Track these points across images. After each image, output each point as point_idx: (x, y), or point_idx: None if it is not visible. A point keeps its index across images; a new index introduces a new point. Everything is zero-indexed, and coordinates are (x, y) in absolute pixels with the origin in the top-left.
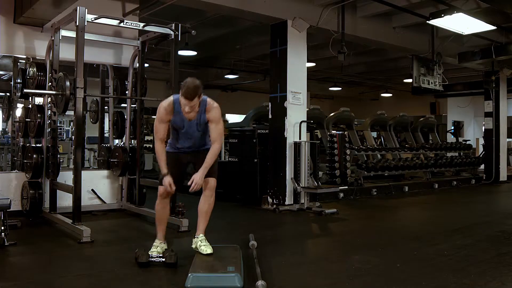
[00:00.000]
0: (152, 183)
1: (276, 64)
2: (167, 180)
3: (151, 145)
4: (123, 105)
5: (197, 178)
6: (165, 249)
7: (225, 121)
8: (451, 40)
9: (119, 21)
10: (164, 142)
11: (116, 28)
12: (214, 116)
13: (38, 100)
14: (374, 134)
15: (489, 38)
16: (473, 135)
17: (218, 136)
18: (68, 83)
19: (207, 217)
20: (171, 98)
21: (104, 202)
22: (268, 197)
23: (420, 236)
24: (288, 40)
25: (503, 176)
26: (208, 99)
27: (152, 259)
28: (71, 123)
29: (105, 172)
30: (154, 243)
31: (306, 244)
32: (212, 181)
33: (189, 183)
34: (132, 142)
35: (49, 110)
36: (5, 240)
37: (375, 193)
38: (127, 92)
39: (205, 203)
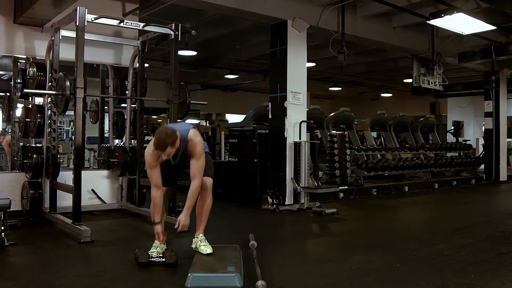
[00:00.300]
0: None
1: (276, 64)
2: (158, 229)
3: None
4: (123, 105)
5: (182, 220)
6: (165, 249)
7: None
8: (451, 40)
9: (119, 21)
10: (160, 188)
11: (116, 28)
12: (194, 152)
13: (38, 100)
14: (374, 134)
15: (489, 38)
16: (473, 135)
17: (198, 173)
18: (68, 83)
19: (205, 217)
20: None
21: (104, 202)
22: (268, 197)
23: (420, 236)
24: (288, 40)
25: (503, 176)
26: (190, 134)
27: (152, 259)
28: (71, 123)
29: (105, 172)
30: (154, 244)
31: (306, 244)
32: (208, 181)
33: (175, 225)
34: (132, 142)
35: (49, 110)
36: (5, 240)
37: (375, 193)
38: (127, 92)
39: (204, 204)
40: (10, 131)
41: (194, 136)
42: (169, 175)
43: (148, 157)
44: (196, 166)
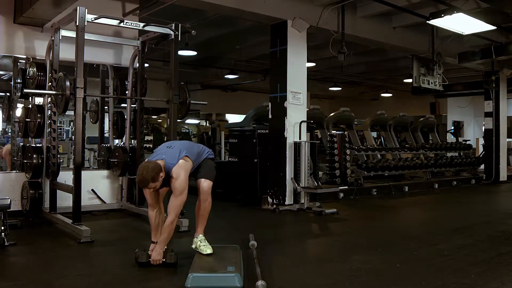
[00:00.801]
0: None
1: (276, 64)
2: (152, 247)
3: (151, 145)
4: (123, 105)
5: (154, 255)
6: (165, 249)
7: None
8: (451, 40)
9: (119, 21)
10: (155, 208)
11: (116, 28)
12: (175, 190)
13: (38, 100)
14: (374, 134)
15: (489, 38)
16: (473, 135)
17: (174, 210)
18: (68, 83)
19: (204, 218)
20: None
21: (104, 202)
22: (268, 197)
23: (420, 236)
24: (288, 40)
25: (503, 176)
26: (173, 170)
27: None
28: (71, 123)
29: (105, 172)
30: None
31: (306, 244)
32: (205, 184)
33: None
34: (132, 142)
35: (49, 110)
36: (5, 240)
37: (375, 193)
38: (127, 92)
39: (200, 207)
40: (10, 131)
41: (177, 173)
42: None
43: (147, 193)
44: (174, 203)
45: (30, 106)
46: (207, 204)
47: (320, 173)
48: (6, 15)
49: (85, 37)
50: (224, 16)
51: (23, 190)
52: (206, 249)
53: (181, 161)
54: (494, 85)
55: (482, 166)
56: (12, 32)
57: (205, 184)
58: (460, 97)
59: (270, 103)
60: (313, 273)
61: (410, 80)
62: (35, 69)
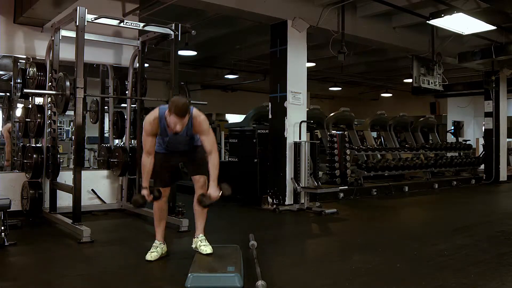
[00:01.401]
0: (152, 183)
1: (276, 64)
2: (145, 192)
3: None
4: (123, 105)
5: (213, 194)
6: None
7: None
8: (451, 40)
9: (119, 21)
10: (151, 155)
11: (116, 28)
12: (203, 129)
13: (38, 100)
14: (374, 134)
15: (489, 38)
16: (473, 135)
17: (213, 147)
18: (68, 83)
19: (203, 216)
20: (156, 112)
21: (104, 202)
22: (268, 197)
23: (420, 236)
24: (288, 40)
25: (503, 176)
26: (194, 112)
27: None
28: (71, 123)
29: (105, 172)
30: (154, 244)
31: (306, 244)
32: (201, 179)
33: (206, 201)
34: (132, 142)
35: (49, 110)
36: (5, 240)
37: (375, 193)
38: (127, 92)
39: (197, 204)
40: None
41: (198, 114)
42: (166, 175)
43: (147, 125)
44: (209, 141)
45: (30, 106)
46: None
47: (320, 173)
48: (6, 15)
49: (85, 37)
50: (224, 16)
51: (23, 190)
52: (206, 249)
53: (195, 108)
54: (494, 85)
55: (482, 166)
56: (12, 32)
57: (202, 179)
58: (460, 97)
59: (270, 103)
60: (313, 273)
61: (410, 80)
62: (35, 69)
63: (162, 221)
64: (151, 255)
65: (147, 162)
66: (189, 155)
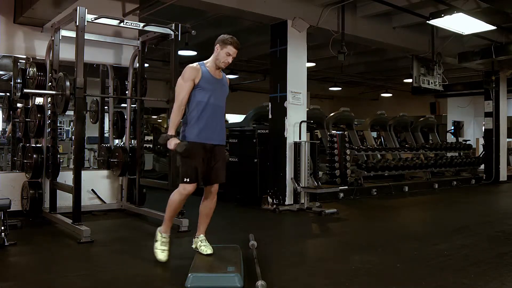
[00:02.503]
0: (152, 183)
1: (276, 64)
2: (174, 141)
3: (151, 145)
4: (123, 105)
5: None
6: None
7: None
8: (451, 40)
9: (119, 21)
10: (182, 107)
11: (116, 28)
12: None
13: (38, 100)
14: (374, 134)
15: (489, 38)
16: (473, 135)
17: None
18: (68, 83)
19: (208, 219)
20: (195, 63)
21: (104, 202)
22: (268, 197)
23: (420, 236)
24: (288, 40)
25: (503, 176)
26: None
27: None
28: (71, 123)
29: (105, 172)
30: (163, 239)
31: (306, 244)
32: (217, 185)
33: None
34: (132, 142)
35: (49, 110)
36: (5, 240)
37: (375, 193)
38: (127, 92)
39: (207, 206)
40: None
41: None
42: (198, 168)
43: (188, 70)
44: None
45: (30, 106)
46: (214, 202)
47: (320, 173)
48: (6, 15)
49: (85, 37)
50: (224, 16)
51: (23, 190)
52: (207, 249)
53: None
54: (494, 85)
55: (482, 166)
56: (12, 32)
57: (217, 185)
58: (460, 97)
59: (270, 103)
60: (313, 273)
61: (410, 80)
62: (35, 69)
63: (176, 214)
64: (164, 255)
65: (178, 113)
66: (217, 152)
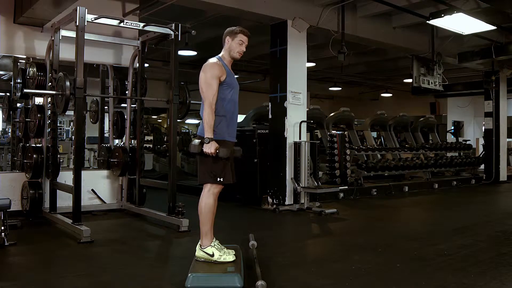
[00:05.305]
0: (152, 183)
1: (276, 64)
2: (215, 145)
3: (151, 145)
4: (123, 105)
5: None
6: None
7: None
8: (451, 40)
9: (119, 21)
10: (214, 106)
11: (116, 28)
12: None
13: (38, 100)
14: (374, 134)
15: (489, 38)
16: (473, 135)
17: None
18: (68, 83)
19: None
20: (215, 59)
21: (104, 202)
22: (268, 197)
23: (420, 236)
24: (288, 40)
25: (503, 176)
26: None
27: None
28: (71, 123)
29: (105, 172)
30: (216, 246)
31: (306, 244)
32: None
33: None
34: (132, 142)
35: (49, 110)
36: (5, 240)
37: (375, 193)
38: (127, 92)
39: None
40: (10, 131)
41: None
42: (231, 169)
43: (214, 67)
44: None
45: (30, 106)
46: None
47: (320, 173)
48: (6, 15)
49: (85, 37)
50: (224, 16)
51: (23, 190)
52: (229, 257)
53: None
54: (494, 85)
55: (482, 166)
56: (12, 32)
57: None
58: (460, 97)
59: (270, 103)
60: (313, 273)
61: (410, 80)
62: (35, 69)
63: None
64: (231, 255)
65: (212, 113)
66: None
